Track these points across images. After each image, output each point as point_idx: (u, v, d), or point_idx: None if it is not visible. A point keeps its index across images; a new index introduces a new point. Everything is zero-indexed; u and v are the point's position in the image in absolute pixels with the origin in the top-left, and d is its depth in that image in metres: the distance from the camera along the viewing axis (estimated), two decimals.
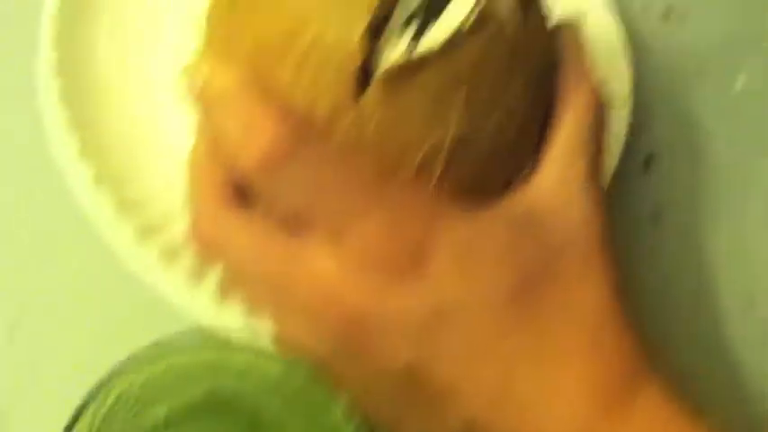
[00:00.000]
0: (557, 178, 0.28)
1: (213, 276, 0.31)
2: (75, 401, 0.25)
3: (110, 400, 0.25)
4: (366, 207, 0.25)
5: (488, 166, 0.28)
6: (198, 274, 0.31)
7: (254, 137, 0.25)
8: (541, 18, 0.29)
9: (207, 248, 0.28)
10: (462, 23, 0.26)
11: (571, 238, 0.27)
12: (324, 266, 0.26)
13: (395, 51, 0.26)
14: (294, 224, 0.26)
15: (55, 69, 0.33)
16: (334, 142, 0.26)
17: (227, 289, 0.30)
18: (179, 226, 0.31)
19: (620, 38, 0.41)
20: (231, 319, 0.30)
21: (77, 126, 0.32)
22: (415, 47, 0.26)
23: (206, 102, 0.26)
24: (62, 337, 0.34)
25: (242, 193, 0.27)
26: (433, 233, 0.26)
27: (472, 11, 0.26)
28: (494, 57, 0.26)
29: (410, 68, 0.25)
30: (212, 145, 0.27)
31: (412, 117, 0.26)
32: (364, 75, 0.25)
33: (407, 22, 0.26)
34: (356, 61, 0.25)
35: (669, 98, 0.43)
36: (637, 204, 0.40)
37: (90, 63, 0.35)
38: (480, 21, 0.26)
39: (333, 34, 0.25)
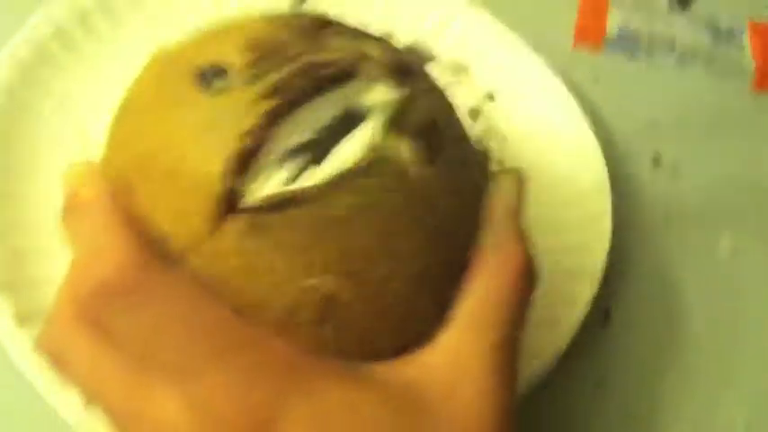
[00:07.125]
0: (455, 350, 0.24)
1: None
2: None
3: None
4: (216, 355, 0.22)
5: (376, 326, 0.24)
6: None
7: (100, 259, 0.23)
8: (457, 163, 0.26)
9: (52, 361, 0.25)
10: (350, 165, 0.23)
11: (459, 424, 0.24)
12: (167, 414, 0.23)
13: (265, 186, 0.23)
14: (140, 363, 0.23)
15: None
16: (185, 277, 0.23)
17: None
18: None
19: (602, 178, 0.38)
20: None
21: None
22: (290, 184, 0.23)
23: (68, 212, 0.25)
24: None
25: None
26: (287, 399, 0.22)
27: (365, 152, 0.23)
28: (385, 202, 0.23)
29: (280, 204, 0.22)
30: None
31: (277, 258, 0.23)
32: (229, 207, 0.23)
33: (284, 159, 0.23)
34: (217, 190, 0.22)
35: (643, 252, 0.39)
36: (584, 368, 0.36)
37: None
38: (374, 163, 0.23)
39: (194, 159, 0.23)
